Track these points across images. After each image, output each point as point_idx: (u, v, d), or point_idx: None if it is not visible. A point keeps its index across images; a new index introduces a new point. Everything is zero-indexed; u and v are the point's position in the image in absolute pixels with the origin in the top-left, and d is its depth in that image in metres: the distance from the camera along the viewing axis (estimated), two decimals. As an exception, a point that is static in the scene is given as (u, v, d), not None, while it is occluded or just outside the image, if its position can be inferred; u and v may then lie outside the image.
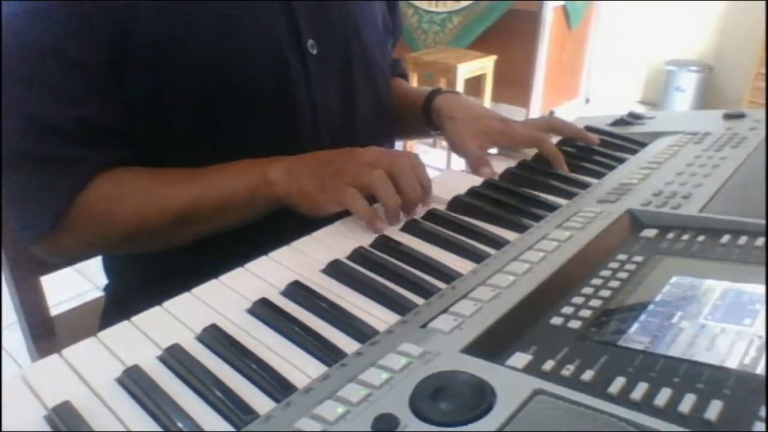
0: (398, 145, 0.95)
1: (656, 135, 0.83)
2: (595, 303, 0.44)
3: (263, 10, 0.67)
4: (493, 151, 0.81)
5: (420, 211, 0.63)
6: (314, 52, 0.70)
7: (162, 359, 0.42)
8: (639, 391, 0.34)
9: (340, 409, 0.35)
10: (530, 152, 0.79)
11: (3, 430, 0.36)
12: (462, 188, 0.68)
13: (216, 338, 0.44)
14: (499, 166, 0.74)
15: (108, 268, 0.82)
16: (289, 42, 0.69)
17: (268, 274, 0.52)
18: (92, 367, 0.41)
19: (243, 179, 0.64)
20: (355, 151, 0.64)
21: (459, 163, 0.83)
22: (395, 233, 0.59)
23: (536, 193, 0.68)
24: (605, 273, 0.49)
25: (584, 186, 0.69)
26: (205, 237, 0.66)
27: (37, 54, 0.60)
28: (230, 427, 0.36)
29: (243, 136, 0.68)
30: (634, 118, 0.92)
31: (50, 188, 0.62)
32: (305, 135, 0.71)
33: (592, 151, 0.79)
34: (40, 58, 0.60)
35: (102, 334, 0.44)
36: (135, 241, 0.67)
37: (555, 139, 0.80)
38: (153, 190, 0.65)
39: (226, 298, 0.49)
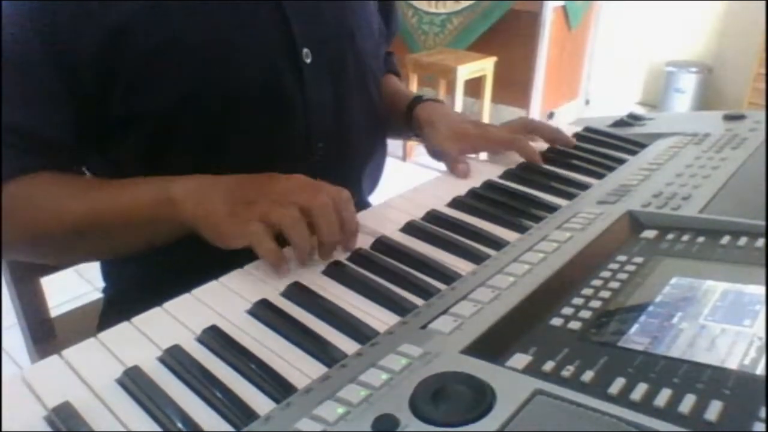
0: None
1: (656, 136, 0.83)
2: (595, 304, 0.44)
3: (257, 17, 0.66)
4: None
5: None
6: (308, 60, 0.70)
7: (162, 360, 0.42)
8: (639, 391, 0.34)
9: (340, 410, 0.35)
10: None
11: (3, 430, 0.36)
12: (461, 190, 0.69)
13: (216, 339, 0.44)
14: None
15: (104, 272, 0.82)
16: (283, 50, 0.68)
17: (268, 275, 0.52)
18: (92, 367, 0.41)
19: (146, 194, 0.59)
20: (274, 179, 0.57)
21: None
22: (395, 234, 0.59)
23: (536, 194, 0.68)
24: (605, 274, 0.49)
25: (584, 187, 0.69)
26: (124, 253, 0.63)
27: None
28: (230, 428, 0.36)
29: (237, 144, 0.67)
30: (633, 119, 0.92)
31: None
32: (298, 142, 0.71)
33: (591, 152, 0.79)
34: None
35: (102, 335, 0.44)
36: (36, 250, 0.64)
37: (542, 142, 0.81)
38: (56, 197, 0.61)
39: (226, 299, 0.49)
